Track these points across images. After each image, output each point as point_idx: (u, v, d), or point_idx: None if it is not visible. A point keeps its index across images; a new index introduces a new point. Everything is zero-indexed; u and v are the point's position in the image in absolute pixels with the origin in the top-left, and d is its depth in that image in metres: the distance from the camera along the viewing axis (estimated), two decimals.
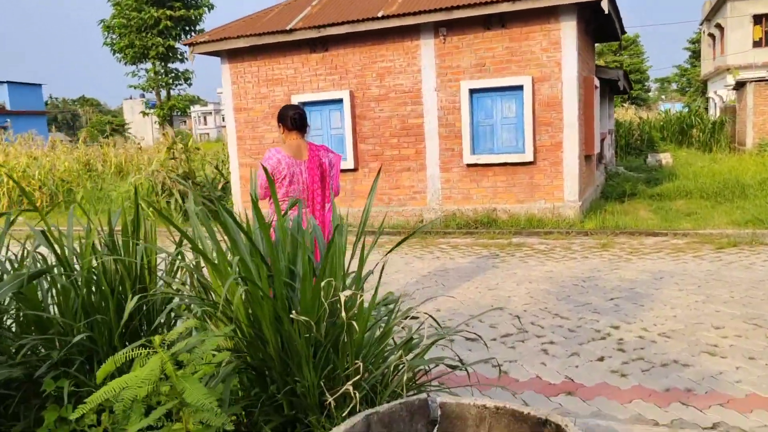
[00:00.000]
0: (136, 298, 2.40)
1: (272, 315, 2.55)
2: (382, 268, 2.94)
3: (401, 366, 2.86)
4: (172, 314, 3.07)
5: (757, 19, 28.92)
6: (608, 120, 15.78)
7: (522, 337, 4.66)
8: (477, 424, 2.44)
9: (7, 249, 3.01)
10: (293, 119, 4.42)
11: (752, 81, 19.10)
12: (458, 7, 9.32)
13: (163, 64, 29.40)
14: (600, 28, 11.69)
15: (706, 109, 29.22)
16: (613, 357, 4.18)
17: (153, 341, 2.22)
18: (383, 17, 9.74)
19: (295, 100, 10.71)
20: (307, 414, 2.67)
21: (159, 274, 3.19)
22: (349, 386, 2.51)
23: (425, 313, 3.51)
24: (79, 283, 2.91)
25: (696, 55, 48.47)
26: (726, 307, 5.12)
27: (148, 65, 29.59)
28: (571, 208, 9.51)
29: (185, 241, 2.81)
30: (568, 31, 9.19)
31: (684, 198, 11.46)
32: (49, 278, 2.93)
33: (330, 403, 2.54)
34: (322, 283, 2.61)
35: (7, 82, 43.01)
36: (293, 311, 2.49)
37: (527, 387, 3.79)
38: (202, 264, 2.81)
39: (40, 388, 2.65)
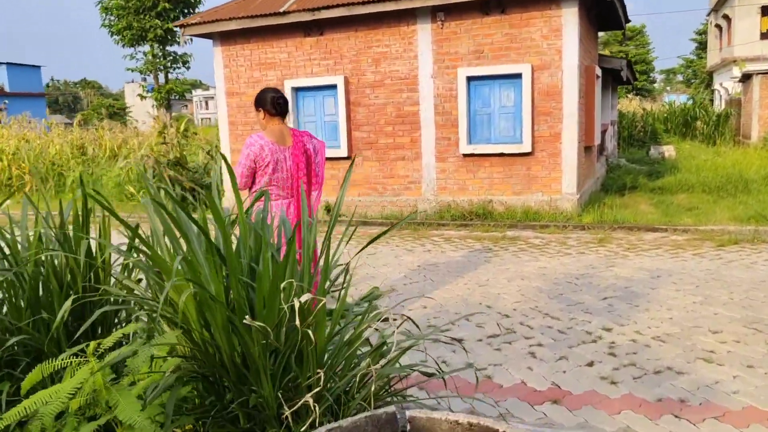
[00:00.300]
0: (71, 299, 2.17)
1: (225, 320, 2.33)
2: (346, 271, 2.70)
3: (370, 375, 2.63)
4: (124, 316, 2.84)
5: (765, 10, 28.41)
6: (611, 111, 15.48)
7: (509, 339, 4.44)
8: None
9: None
10: (277, 103, 4.17)
11: (759, 73, 18.73)
12: None
13: (161, 47, 29.04)
14: (603, 15, 11.37)
15: (711, 101, 28.83)
16: (604, 362, 3.96)
17: (88, 348, 2.01)
18: (379, 0, 9.44)
19: (289, 85, 10.44)
20: (264, 427, 2.46)
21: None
22: (308, 398, 2.29)
23: (403, 315, 3.29)
24: (26, 278, 2.69)
25: (702, 46, 47.91)
26: (725, 310, 4.89)
27: (146, 48, 29.25)
28: (569, 201, 9.26)
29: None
30: (569, 17, 8.89)
31: (686, 192, 11.20)
32: None
33: (289, 416, 2.32)
34: (283, 285, 2.39)
35: (6, 63, 42.63)
36: (247, 316, 2.26)
37: (511, 393, 3.57)
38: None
39: None
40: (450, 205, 9.81)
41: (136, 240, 2.59)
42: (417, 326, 3.16)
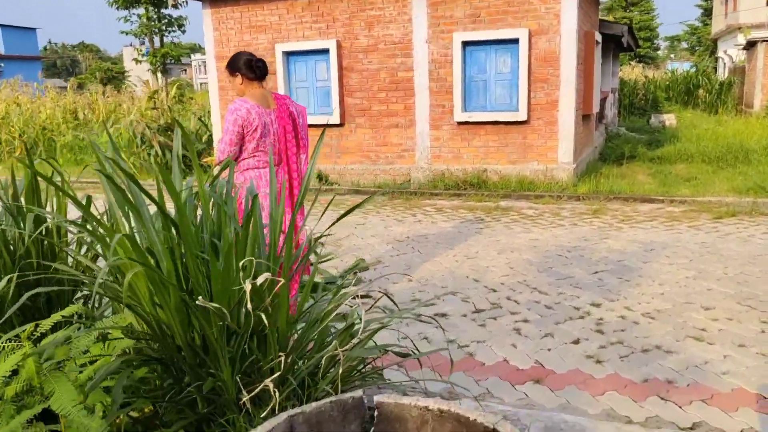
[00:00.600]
0: (6, 278, 2.02)
1: (178, 300, 2.18)
2: (310, 242, 2.54)
3: (338, 358, 2.49)
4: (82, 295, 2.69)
5: None
6: (611, 78, 15.15)
7: (495, 314, 4.31)
8: (418, 427, 2.09)
9: None
10: (256, 66, 3.94)
11: (764, 40, 18.30)
12: None
13: (155, 9, 28.42)
14: None
15: (715, 69, 28.35)
16: (590, 339, 3.83)
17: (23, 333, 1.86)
18: None
19: (280, 49, 10.14)
20: (224, 412, 2.33)
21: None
22: (268, 383, 2.15)
23: (380, 291, 3.14)
24: None
25: (707, 12, 46.96)
26: (719, 285, 4.75)
27: (141, 11, 28.62)
28: (565, 171, 9.06)
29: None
30: None
31: (685, 162, 10.99)
32: None
33: (247, 402, 2.19)
34: (242, 263, 2.23)
35: (1, 25, 41.86)
36: (200, 297, 2.11)
37: (492, 372, 3.44)
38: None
39: None
40: (444, 174, 9.62)
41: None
42: (395, 303, 3.02)
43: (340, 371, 2.38)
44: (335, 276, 4.93)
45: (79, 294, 2.69)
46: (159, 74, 28.85)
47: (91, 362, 2.22)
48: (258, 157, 3.74)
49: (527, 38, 8.84)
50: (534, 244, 6.15)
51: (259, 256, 2.50)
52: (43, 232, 2.47)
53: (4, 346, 1.82)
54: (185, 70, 77.12)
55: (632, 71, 29.17)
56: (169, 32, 29.54)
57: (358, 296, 2.41)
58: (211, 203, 2.52)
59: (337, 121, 10.01)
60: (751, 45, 19.46)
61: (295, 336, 2.56)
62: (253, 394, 2.16)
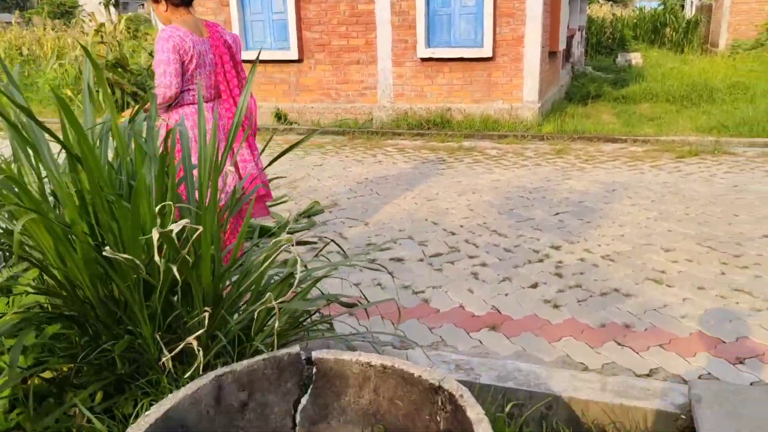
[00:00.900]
0: None
1: (86, 251, 1.92)
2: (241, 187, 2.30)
3: (274, 311, 2.28)
4: None
5: None
6: (579, 15, 14.79)
7: (452, 258, 4.15)
8: (360, 384, 1.93)
9: None
10: None
11: None
12: None
13: None
14: None
15: (682, 6, 28.06)
16: (549, 283, 3.70)
17: None
18: None
19: None
20: (147, 372, 2.12)
21: None
22: (191, 340, 1.95)
23: (325, 238, 2.93)
24: None
25: None
26: (680, 226, 4.66)
27: None
28: (530, 110, 8.85)
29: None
30: None
31: (649, 101, 10.87)
32: None
33: (167, 362, 1.99)
34: (157, 209, 1.98)
35: None
36: (108, 247, 1.86)
37: (447, 319, 3.30)
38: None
39: None
40: (407, 113, 9.32)
41: None
42: (342, 250, 2.82)
43: (277, 325, 2.18)
44: (287, 219, 4.70)
45: None
46: (111, 8, 27.38)
47: None
48: (193, 92, 3.39)
49: None
50: (496, 185, 5.98)
51: (182, 201, 2.25)
52: None
53: None
54: (142, 5, 73.65)
55: (600, 9, 28.76)
56: None
57: (293, 243, 2.18)
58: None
59: (295, 57, 9.55)
60: None
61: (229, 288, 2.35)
62: (174, 353, 1.96)
